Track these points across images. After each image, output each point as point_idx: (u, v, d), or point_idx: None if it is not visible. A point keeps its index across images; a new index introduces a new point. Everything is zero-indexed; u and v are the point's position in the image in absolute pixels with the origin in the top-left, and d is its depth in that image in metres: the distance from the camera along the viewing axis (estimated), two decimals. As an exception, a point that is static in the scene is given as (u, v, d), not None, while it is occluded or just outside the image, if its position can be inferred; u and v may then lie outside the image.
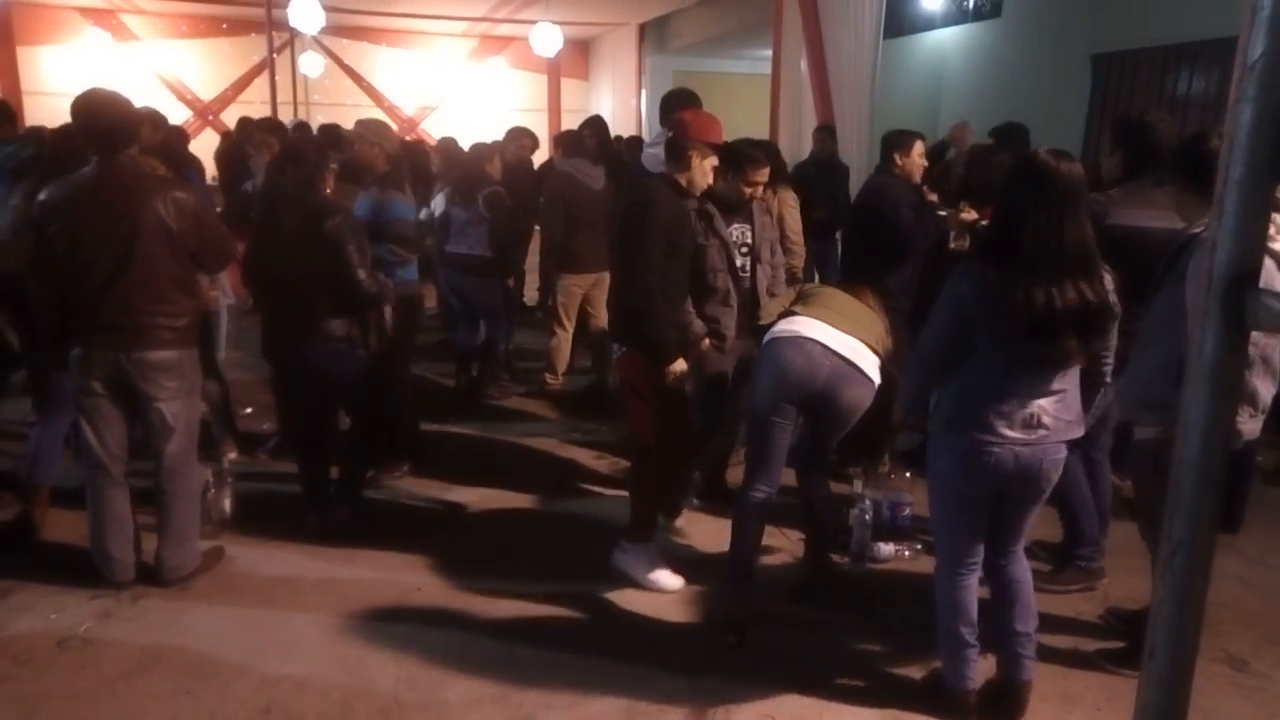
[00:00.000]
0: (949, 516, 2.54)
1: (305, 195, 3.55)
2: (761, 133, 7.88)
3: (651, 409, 3.26)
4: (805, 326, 3.02)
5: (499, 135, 10.75)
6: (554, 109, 15.57)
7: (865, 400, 3.05)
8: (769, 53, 10.86)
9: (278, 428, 4.57)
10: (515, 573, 3.48)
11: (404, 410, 4.42)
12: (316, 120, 13.21)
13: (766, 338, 3.12)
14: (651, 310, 3.12)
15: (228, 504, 3.78)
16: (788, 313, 3.14)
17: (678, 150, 3.21)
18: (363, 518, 3.85)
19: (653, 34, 13.68)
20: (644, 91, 13.90)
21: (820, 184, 6.61)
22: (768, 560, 3.57)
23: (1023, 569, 2.60)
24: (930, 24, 9.65)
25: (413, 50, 14.89)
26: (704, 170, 3.23)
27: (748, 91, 13.83)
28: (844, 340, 2.99)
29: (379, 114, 14.18)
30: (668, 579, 3.38)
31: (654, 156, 4.17)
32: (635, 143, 8.18)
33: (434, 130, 14.50)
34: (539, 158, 7.36)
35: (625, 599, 3.29)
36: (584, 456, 4.80)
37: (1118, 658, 2.90)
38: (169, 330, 3.13)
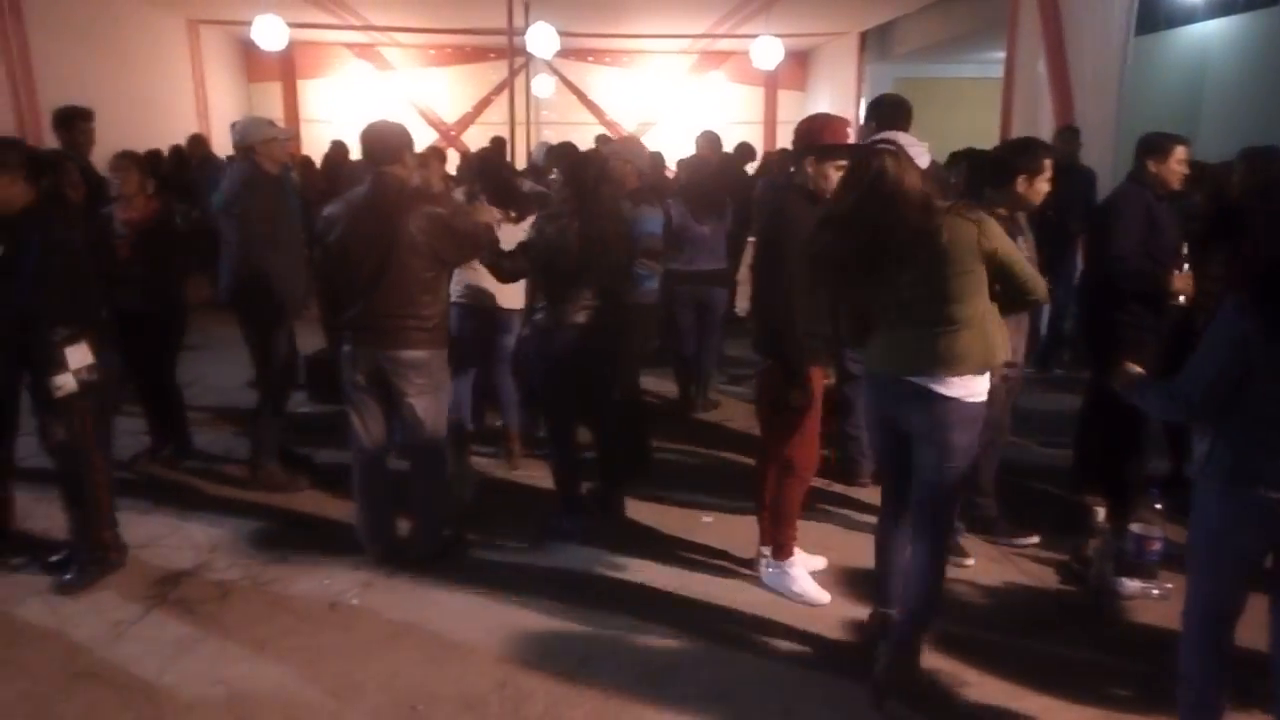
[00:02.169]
0: (1214, 569, 2.30)
1: (605, 202, 3.82)
2: (991, 139, 7.48)
3: (791, 425, 3.25)
4: None
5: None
6: (770, 121, 15.58)
7: None
8: (999, 55, 10.32)
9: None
10: (731, 576, 3.55)
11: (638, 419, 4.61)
12: (546, 135, 14.09)
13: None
14: (785, 325, 3.11)
15: (469, 494, 4.10)
16: None
17: (798, 157, 3.21)
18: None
19: (874, 42, 13.37)
20: (863, 100, 13.62)
21: (1062, 189, 6.16)
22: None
23: None
24: (1190, 17, 8.77)
25: (634, 69, 15.44)
26: (825, 173, 3.12)
27: (974, 96, 13.19)
28: None
29: (600, 130, 14.87)
30: (817, 593, 3.35)
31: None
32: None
33: (652, 145, 14.97)
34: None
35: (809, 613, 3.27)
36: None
37: None
38: (420, 332, 3.46)
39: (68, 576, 3.40)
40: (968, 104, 13.12)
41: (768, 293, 3.21)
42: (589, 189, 3.80)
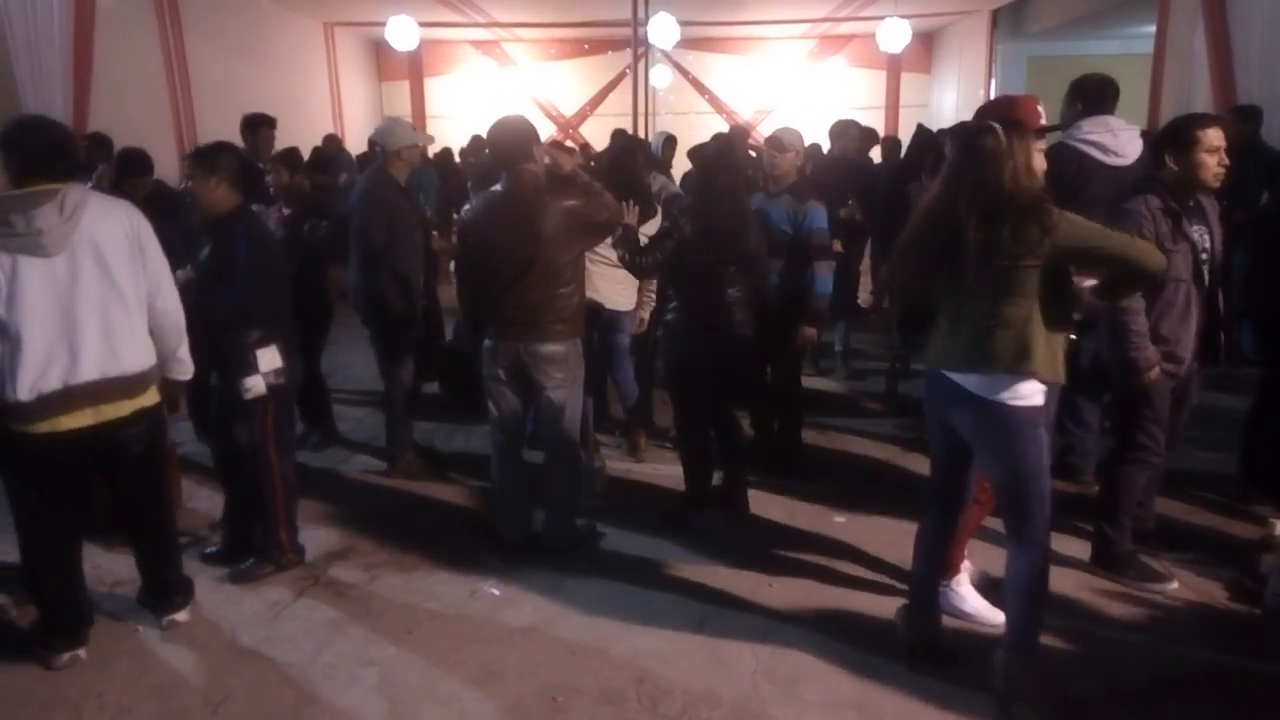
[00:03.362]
0: None
1: (736, 195, 3.83)
2: (1138, 119, 7.02)
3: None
4: None
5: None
6: (892, 105, 15.10)
7: None
8: (1145, 29, 9.67)
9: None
10: (865, 581, 3.46)
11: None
12: (663, 124, 14.09)
13: None
14: None
15: (599, 488, 4.15)
16: None
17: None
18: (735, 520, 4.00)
19: (1007, 19, 12.74)
20: (993, 81, 13.01)
21: (1238, 174, 5.69)
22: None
23: None
24: (1375, -21, 7.96)
25: (751, 55, 15.22)
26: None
27: (1118, 74, 12.39)
28: None
29: (720, 122, 14.75)
30: (990, 612, 3.14)
31: (1105, 146, 3.83)
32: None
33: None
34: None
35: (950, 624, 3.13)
36: (908, 474, 4.61)
37: None
38: (559, 324, 3.52)
39: (243, 566, 3.53)
40: (1109, 82, 12.38)
41: None
42: (713, 187, 3.77)
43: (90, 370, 2.69)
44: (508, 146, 3.51)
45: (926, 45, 14.78)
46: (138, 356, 2.82)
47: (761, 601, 3.33)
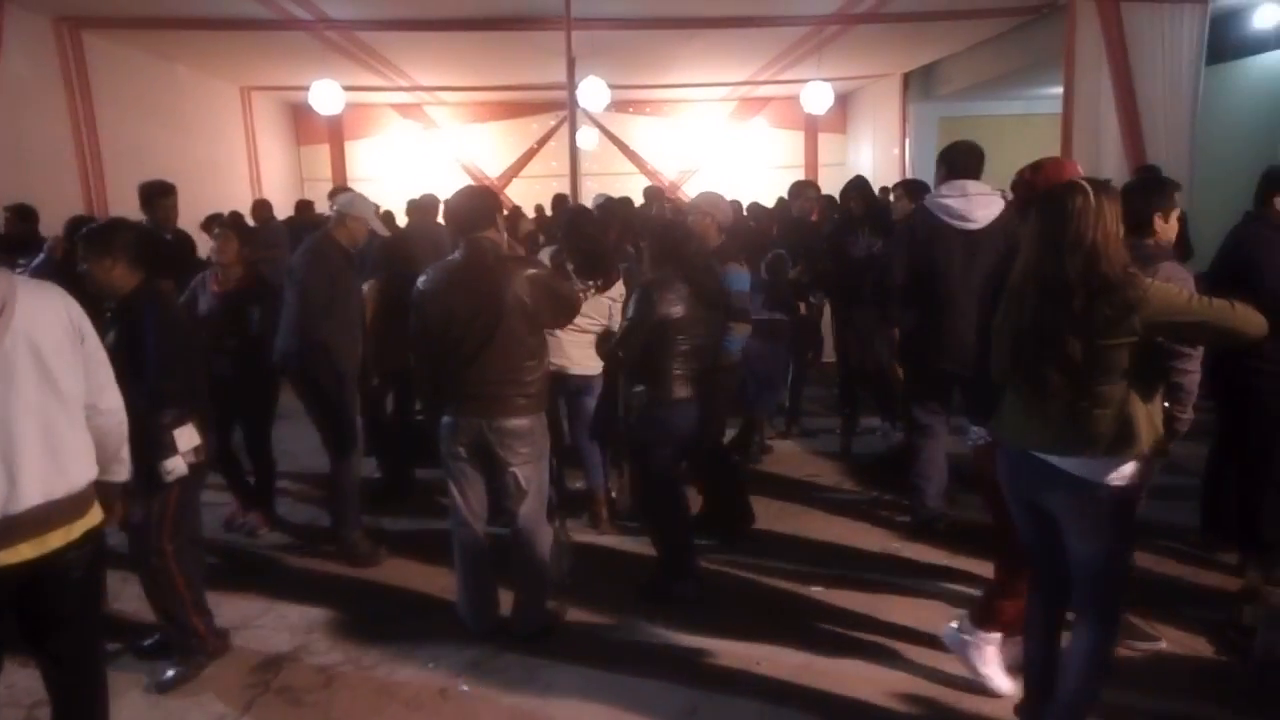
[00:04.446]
0: None
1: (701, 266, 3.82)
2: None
3: None
4: None
5: (759, 194, 10.98)
6: (811, 165, 15.53)
7: None
8: (1048, 90, 10.23)
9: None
10: (853, 653, 3.35)
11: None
12: (588, 185, 14.14)
13: None
14: None
15: (566, 565, 3.96)
16: None
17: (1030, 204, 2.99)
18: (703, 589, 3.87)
19: (918, 82, 13.31)
20: (907, 140, 13.54)
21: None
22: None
23: None
24: (1262, 46, 8.59)
25: (673, 117, 15.51)
26: None
27: (1022, 133, 13.03)
28: None
29: (644, 180, 14.90)
30: (1003, 681, 3.03)
31: (955, 210, 4.01)
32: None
33: (694, 193, 14.96)
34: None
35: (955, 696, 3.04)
36: (876, 535, 4.56)
37: None
38: (523, 399, 3.36)
39: (169, 674, 3.24)
40: (1015, 142, 12.97)
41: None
42: (686, 256, 3.72)
43: (33, 494, 2.17)
44: (468, 214, 3.38)
45: (842, 106, 15.30)
46: (84, 468, 2.33)
47: (751, 683, 3.18)
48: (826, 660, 3.29)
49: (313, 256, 4.15)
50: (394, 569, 4.20)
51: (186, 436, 3.12)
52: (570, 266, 4.25)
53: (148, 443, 3.05)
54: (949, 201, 4.06)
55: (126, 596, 3.89)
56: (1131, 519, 2.44)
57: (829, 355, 7.26)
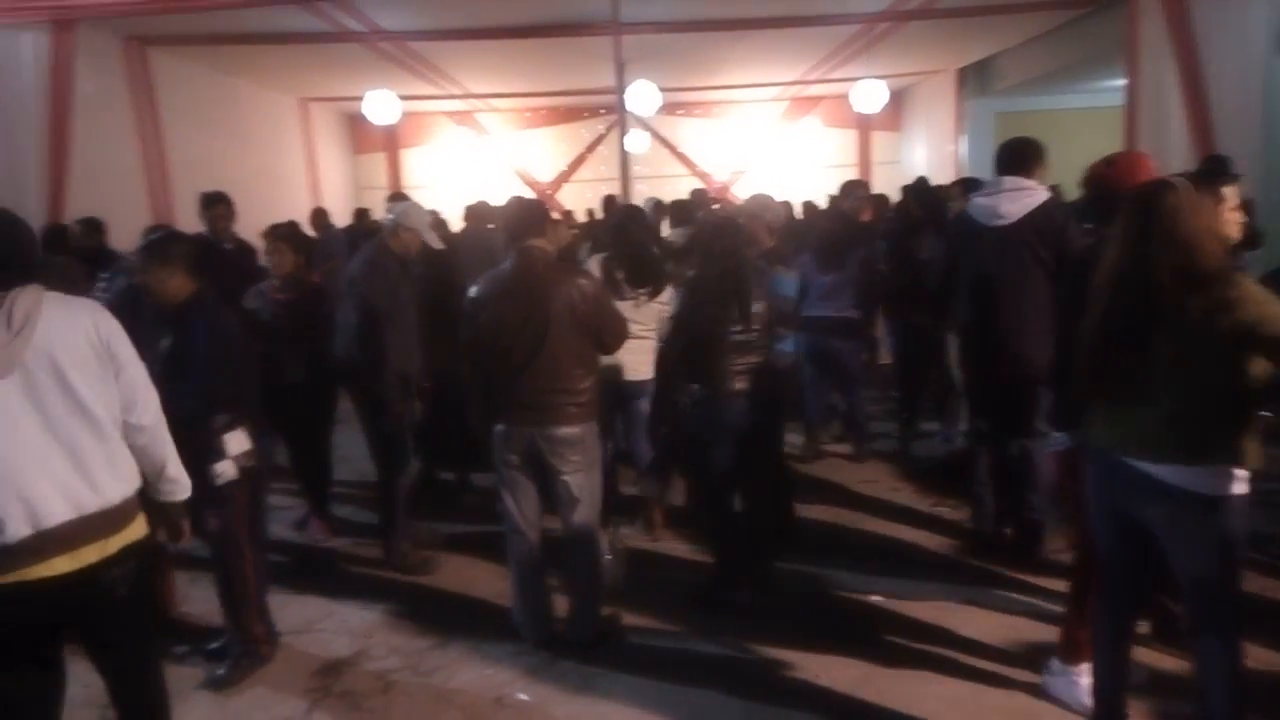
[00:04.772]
0: None
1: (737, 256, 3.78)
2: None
3: None
4: None
5: (810, 195, 10.87)
6: (864, 163, 15.35)
7: None
8: (1111, 83, 9.93)
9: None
10: (915, 664, 3.28)
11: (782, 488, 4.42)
12: (639, 189, 14.15)
13: None
14: None
15: (621, 572, 3.95)
16: None
17: (1108, 205, 2.87)
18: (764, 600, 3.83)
19: (972, 77, 13.05)
20: (963, 137, 13.28)
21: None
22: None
23: None
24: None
25: (723, 119, 15.45)
26: None
27: (1082, 127, 12.68)
28: None
29: (695, 183, 14.87)
30: None
31: (986, 208, 3.90)
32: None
33: (745, 194, 14.88)
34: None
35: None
36: (935, 542, 4.46)
37: None
38: (574, 407, 3.36)
39: (220, 672, 3.36)
40: (1075, 136, 12.62)
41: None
42: (736, 256, 3.70)
43: (61, 509, 2.17)
44: (519, 223, 3.41)
45: (895, 104, 15.06)
46: (119, 484, 2.30)
47: (809, 695, 3.13)
48: (888, 672, 3.24)
49: (370, 267, 4.21)
50: (453, 572, 4.25)
51: (237, 441, 3.21)
52: (620, 275, 4.24)
53: (200, 447, 3.14)
54: (981, 199, 3.99)
55: (195, 598, 3.99)
56: (1243, 530, 2.31)
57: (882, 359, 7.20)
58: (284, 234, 4.54)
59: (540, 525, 3.53)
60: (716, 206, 8.14)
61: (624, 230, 4.37)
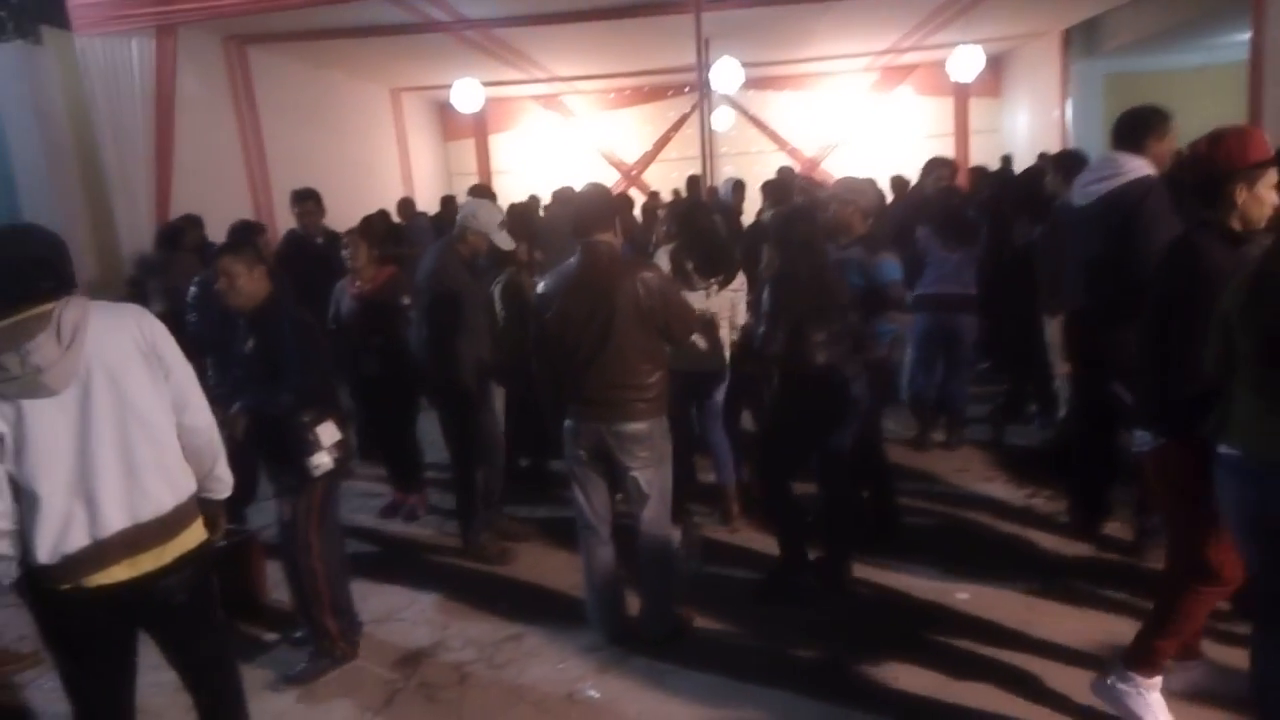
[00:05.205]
0: None
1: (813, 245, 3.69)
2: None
3: (1201, 526, 2.59)
4: None
5: (903, 167, 10.47)
6: (961, 132, 14.71)
7: None
8: (1236, 37, 9.21)
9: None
10: (1000, 670, 3.14)
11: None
12: (725, 166, 13.94)
13: None
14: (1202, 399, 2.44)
15: (696, 565, 3.92)
16: None
17: (1213, 188, 2.64)
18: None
19: (1080, 38, 12.31)
20: (1068, 102, 12.56)
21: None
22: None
23: None
24: None
25: (813, 91, 15.04)
26: (1260, 199, 2.55)
27: (1200, 87, 11.82)
28: None
29: (783, 158, 14.55)
30: None
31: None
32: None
33: (836, 169, 14.48)
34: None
35: None
36: (1027, 539, 4.23)
37: None
38: (641, 403, 3.31)
39: (297, 669, 3.41)
40: (1191, 97, 11.78)
41: (1183, 355, 2.55)
42: (811, 246, 3.60)
43: (118, 518, 2.21)
44: (585, 217, 3.36)
45: (995, 70, 14.38)
46: (173, 489, 2.32)
47: (887, 698, 3.04)
48: (969, 680, 3.10)
49: (436, 279, 4.21)
50: (533, 562, 4.30)
51: (329, 432, 3.28)
52: (690, 265, 4.16)
53: (293, 441, 3.23)
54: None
55: (285, 587, 4.14)
56: None
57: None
58: (360, 230, 4.64)
59: (611, 520, 3.52)
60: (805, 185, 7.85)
61: (691, 220, 4.28)
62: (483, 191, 6.56)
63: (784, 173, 9.10)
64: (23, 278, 2.13)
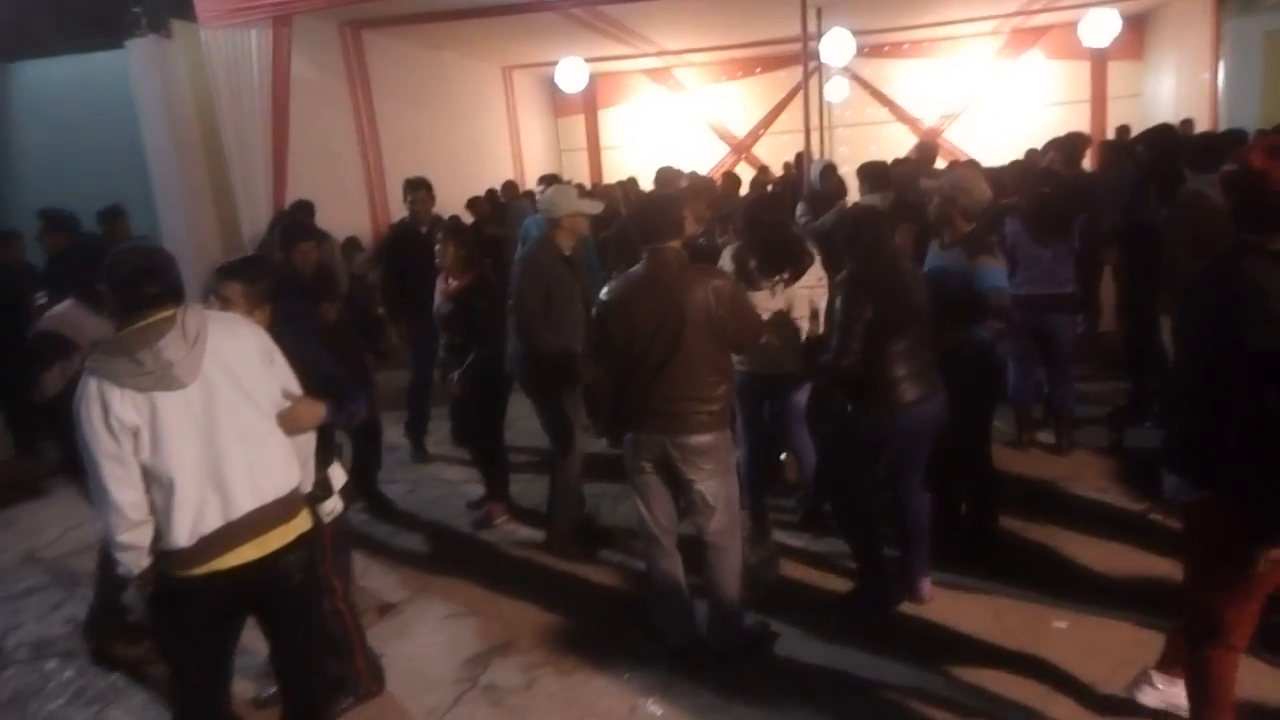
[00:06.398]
0: None
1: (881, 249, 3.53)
2: None
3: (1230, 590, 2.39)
4: None
5: (1033, 138, 9.80)
6: (1099, 99, 13.68)
7: None
8: None
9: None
10: (1096, 706, 2.91)
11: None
12: (841, 137, 13.45)
13: None
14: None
15: (772, 576, 3.80)
16: None
17: (1269, 209, 2.21)
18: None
19: (1238, -7, 11.21)
20: (1221, 64, 11.47)
21: None
22: None
23: None
24: None
25: (934, 59, 14.29)
26: None
27: (1383, 43, 10.55)
28: None
29: (901, 129, 13.93)
30: None
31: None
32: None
33: (958, 139, 13.76)
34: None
35: None
36: (1142, 558, 3.90)
37: None
38: (707, 415, 3.21)
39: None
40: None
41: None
42: (882, 249, 3.42)
43: (246, 500, 2.43)
44: (653, 225, 3.25)
45: (1137, 30, 13.29)
46: (288, 473, 2.56)
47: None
48: (1063, 712, 2.89)
49: (527, 268, 4.20)
50: (607, 565, 4.27)
51: (338, 475, 3.14)
52: (752, 263, 3.98)
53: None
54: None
55: (373, 572, 4.28)
56: None
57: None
58: (449, 226, 4.67)
59: (675, 531, 3.44)
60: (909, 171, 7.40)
61: (755, 218, 4.09)
62: (551, 180, 6.52)
63: (922, 150, 8.58)
64: (131, 285, 2.40)
